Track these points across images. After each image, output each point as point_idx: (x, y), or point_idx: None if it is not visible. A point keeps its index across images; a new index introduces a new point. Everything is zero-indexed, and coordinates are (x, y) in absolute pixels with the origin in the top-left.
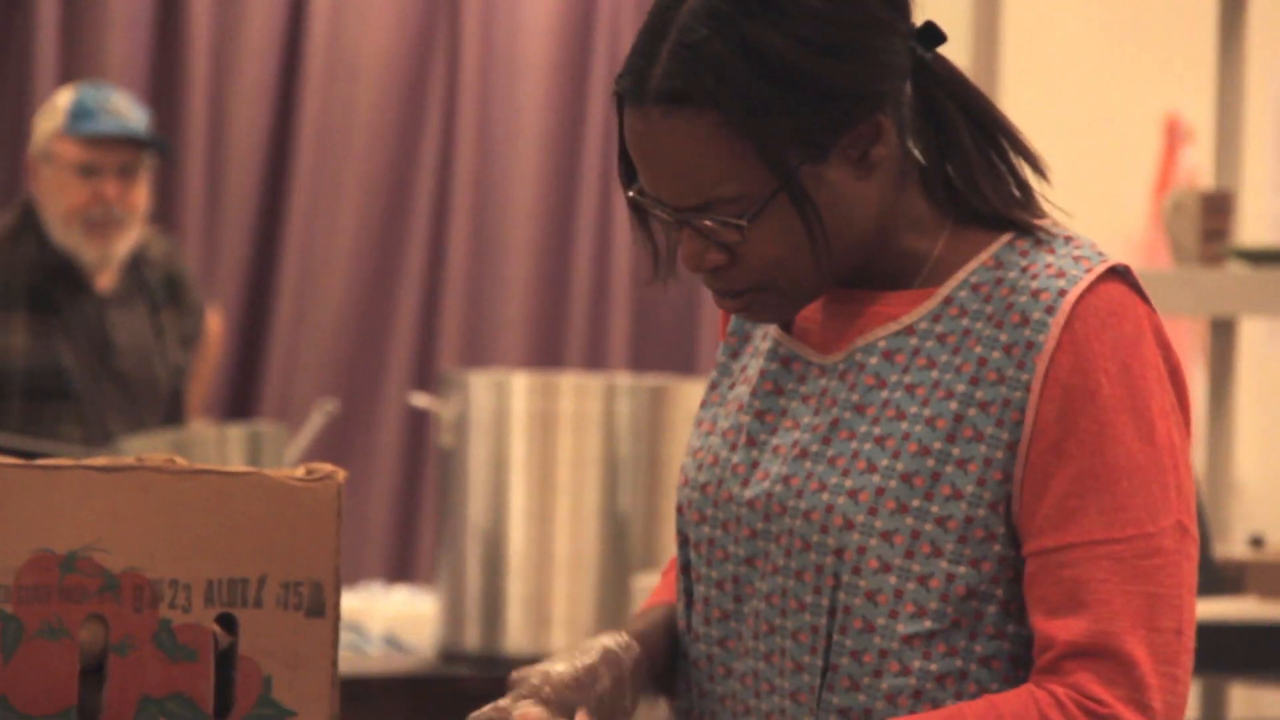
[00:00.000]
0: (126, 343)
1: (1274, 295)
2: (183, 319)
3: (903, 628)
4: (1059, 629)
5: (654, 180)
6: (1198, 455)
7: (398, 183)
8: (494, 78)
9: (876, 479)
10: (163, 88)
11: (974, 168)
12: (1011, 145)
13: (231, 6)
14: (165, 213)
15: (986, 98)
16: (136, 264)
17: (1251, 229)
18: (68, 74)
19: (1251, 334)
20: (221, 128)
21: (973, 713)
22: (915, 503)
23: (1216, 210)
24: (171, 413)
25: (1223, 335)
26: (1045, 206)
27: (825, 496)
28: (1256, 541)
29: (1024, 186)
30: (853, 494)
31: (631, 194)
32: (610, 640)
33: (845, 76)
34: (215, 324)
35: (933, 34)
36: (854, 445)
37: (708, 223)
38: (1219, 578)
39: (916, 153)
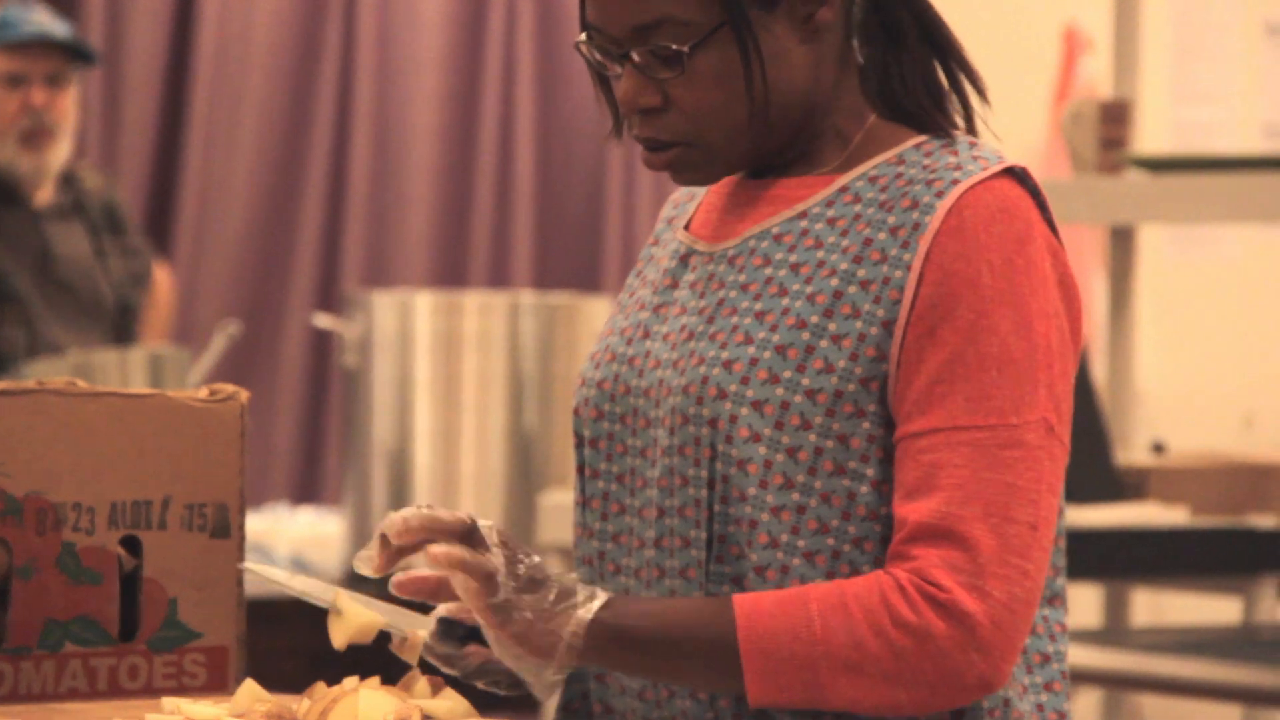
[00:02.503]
0: (67, 254)
1: (1172, 203)
2: (126, 253)
3: (771, 498)
4: (911, 510)
5: (602, 8)
6: (1099, 363)
7: (297, 102)
8: None
9: (751, 350)
10: (59, 8)
11: (913, 72)
12: (957, 63)
13: None
14: None
15: (939, 14)
16: (71, 185)
17: (1149, 138)
18: None
19: (1151, 242)
20: (118, 49)
21: (818, 591)
22: (787, 374)
23: (1115, 119)
24: (121, 331)
25: (1122, 243)
26: (980, 119)
27: (703, 369)
28: (1158, 448)
29: (963, 103)
30: (728, 365)
31: (583, 42)
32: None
33: None
34: (165, 281)
35: None
36: (734, 320)
37: (649, 54)
38: (1121, 484)
39: (858, 49)
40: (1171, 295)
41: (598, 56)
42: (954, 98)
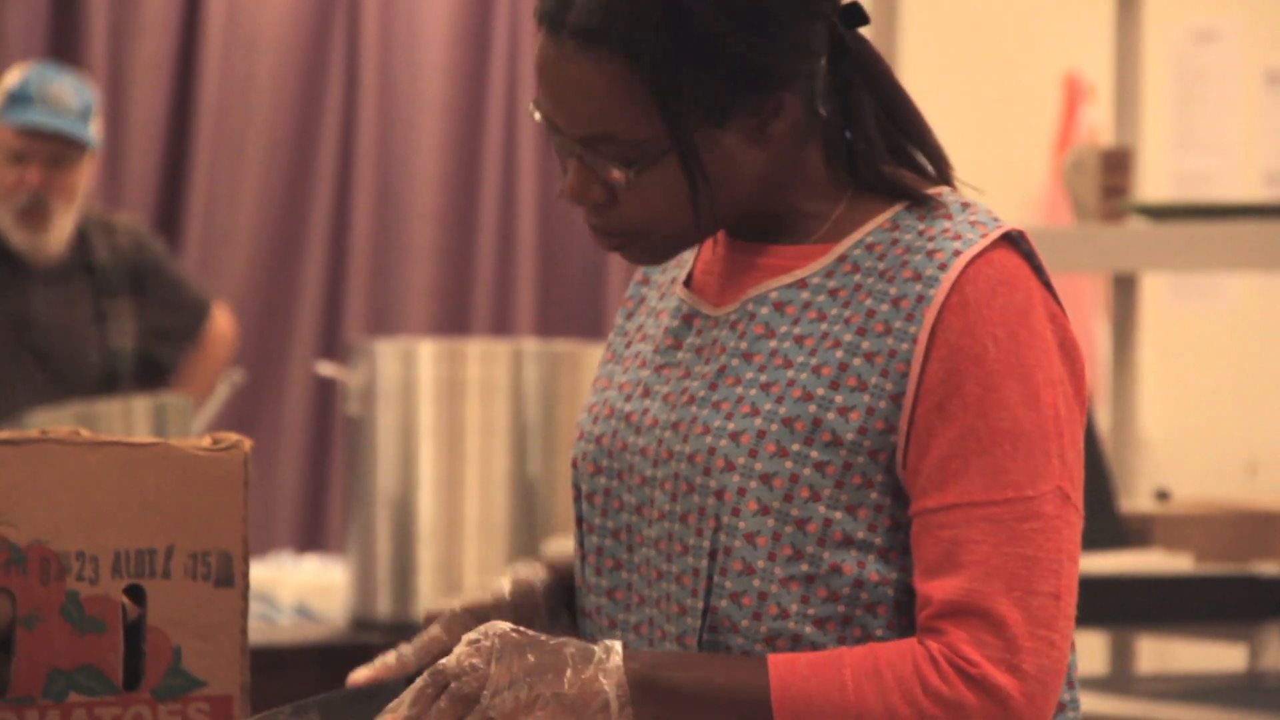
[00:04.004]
0: (51, 321)
1: (1174, 250)
2: (150, 310)
3: (780, 570)
4: (936, 588)
5: (554, 105)
6: (1103, 411)
7: (300, 153)
8: (395, 46)
9: (759, 422)
10: (61, 60)
11: (875, 146)
12: (917, 136)
13: None
14: None
15: (899, 84)
16: (85, 245)
17: (1151, 185)
18: None
19: (1153, 289)
20: (121, 100)
21: (852, 656)
22: (795, 447)
23: (1116, 167)
24: (105, 395)
25: (1125, 291)
26: (956, 182)
27: (709, 439)
28: (1162, 495)
29: (931, 166)
30: (735, 436)
31: (539, 117)
32: (523, 568)
33: (757, 50)
34: (223, 322)
35: (855, 14)
36: (739, 391)
37: (597, 161)
38: (1125, 531)
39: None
40: (1174, 342)
41: (551, 135)
42: (916, 162)
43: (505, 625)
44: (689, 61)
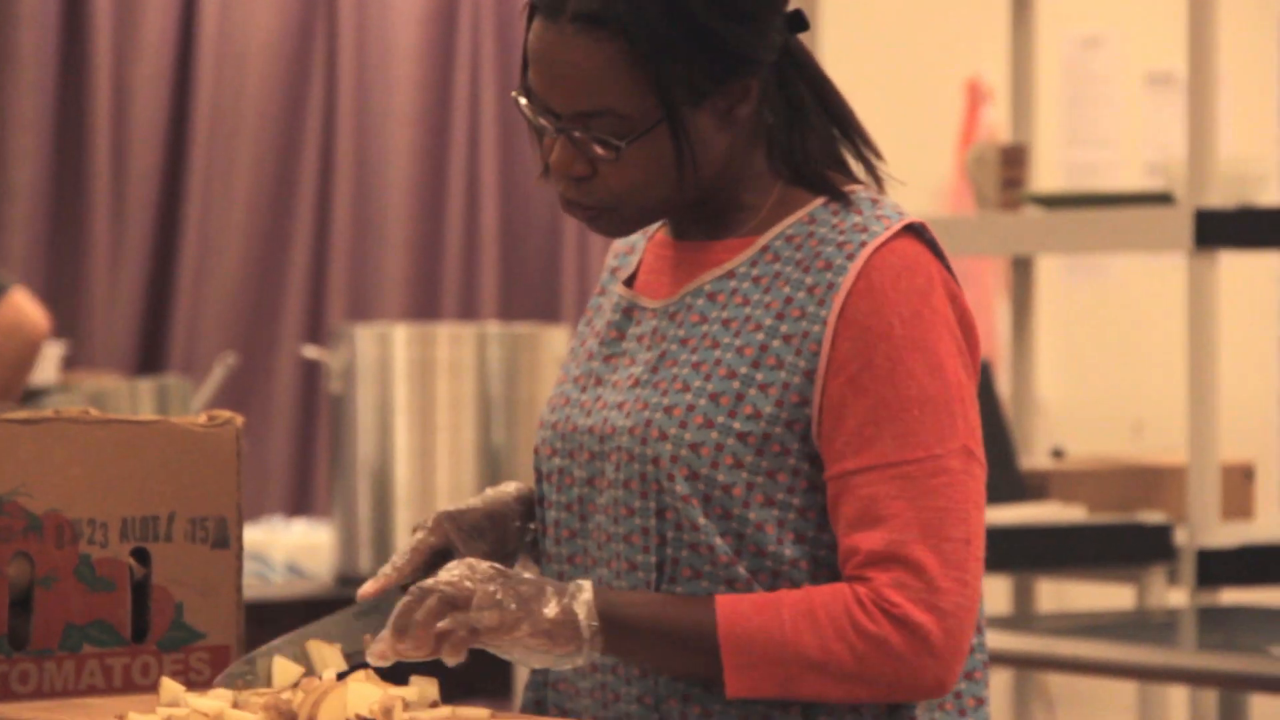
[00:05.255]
0: None
1: (1066, 235)
2: None
3: (716, 526)
4: (860, 540)
5: (549, 86)
6: (1004, 379)
7: (285, 157)
8: (369, 61)
9: (689, 397)
10: (70, 76)
11: (813, 142)
12: (853, 130)
13: (130, 2)
14: (75, 189)
15: (834, 86)
16: None
17: (1045, 177)
18: None
19: (1047, 270)
20: (124, 112)
21: (790, 598)
22: (720, 419)
23: (1013, 161)
24: None
25: (1022, 272)
26: (884, 173)
27: (646, 414)
28: (1057, 453)
29: (865, 163)
30: (668, 410)
31: (524, 102)
32: (522, 485)
33: (737, 38)
34: (19, 304)
35: (798, 19)
36: (675, 371)
37: (587, 135)
38: (1025, 486)
39: (764, 124)
40: (1067, 317)
41: (537, 118)
42: (854, 158)
43: (487, 563)
44: (679, 41)
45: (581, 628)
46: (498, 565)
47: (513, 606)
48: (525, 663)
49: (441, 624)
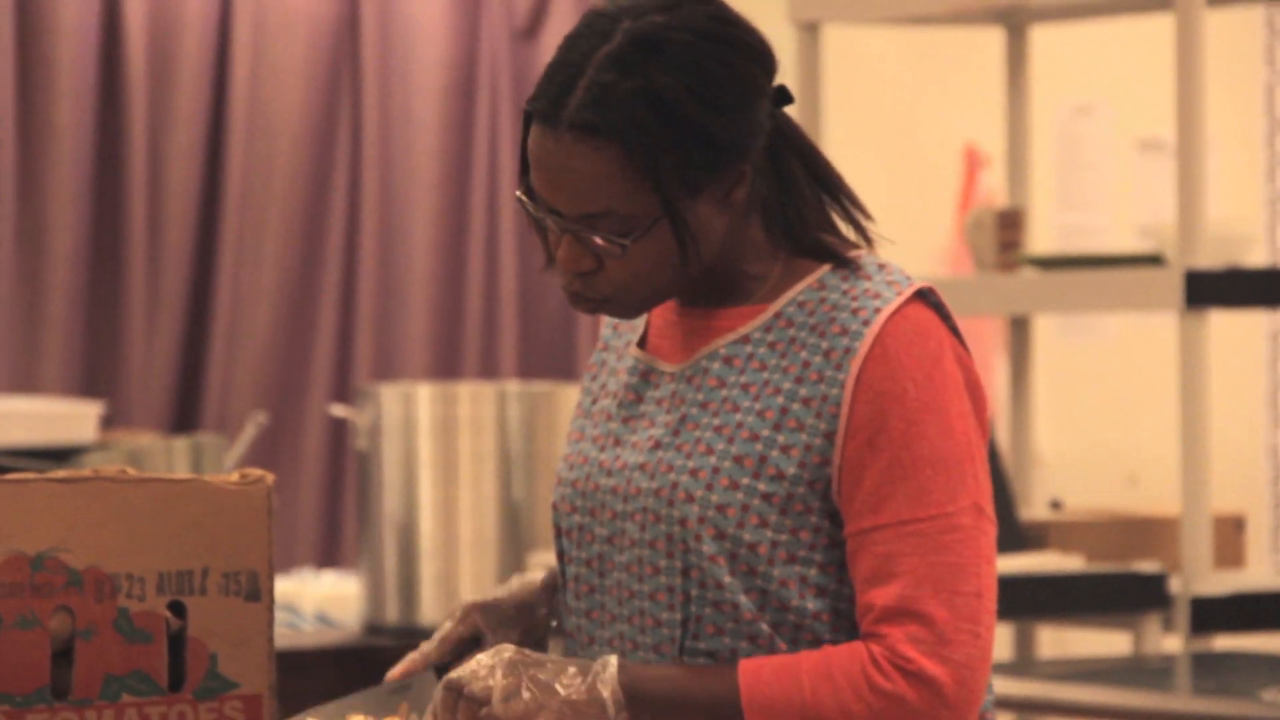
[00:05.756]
0: None
1: (1061, 295)
2: None
3: (741, 584)
4: (875, 596)
5: (552, 190)
6: (1003, 433)
7: (312, 225)
8: (392, 132)
9: (713, 460)
10: (107, 147)
11: (808, 211)
12: (842, 194)
13: (164, 77)
14: (112, 256)
15: (822, 153)
16: None
17: (1040, 239)
18: (23, 138)
19: (1044, 329)
20: (159, 182)
21: (808, 661)
22: (745, 480)
23: (1010, 225)
24: None
25: (1020, 331)
26: (873, 234)
27: (671, 476)
28: (1055, 505)
29: (856, 226)
30: (693, 473)
31: (527, 201)
32: (548, 572)
33: (726, 129)
34: None
35: (783, 94)
36: (697, 434)
37: (592, 234)
38: (1024, 537)
39: (763, 192)
40: (1063, 373)
41: (541, 218)
42: (843, 219)
43: (511, 647)
44: (671, 141)
45: (607, 706)
46: (523, 651)
47: (527, 696)
48: None
49: None
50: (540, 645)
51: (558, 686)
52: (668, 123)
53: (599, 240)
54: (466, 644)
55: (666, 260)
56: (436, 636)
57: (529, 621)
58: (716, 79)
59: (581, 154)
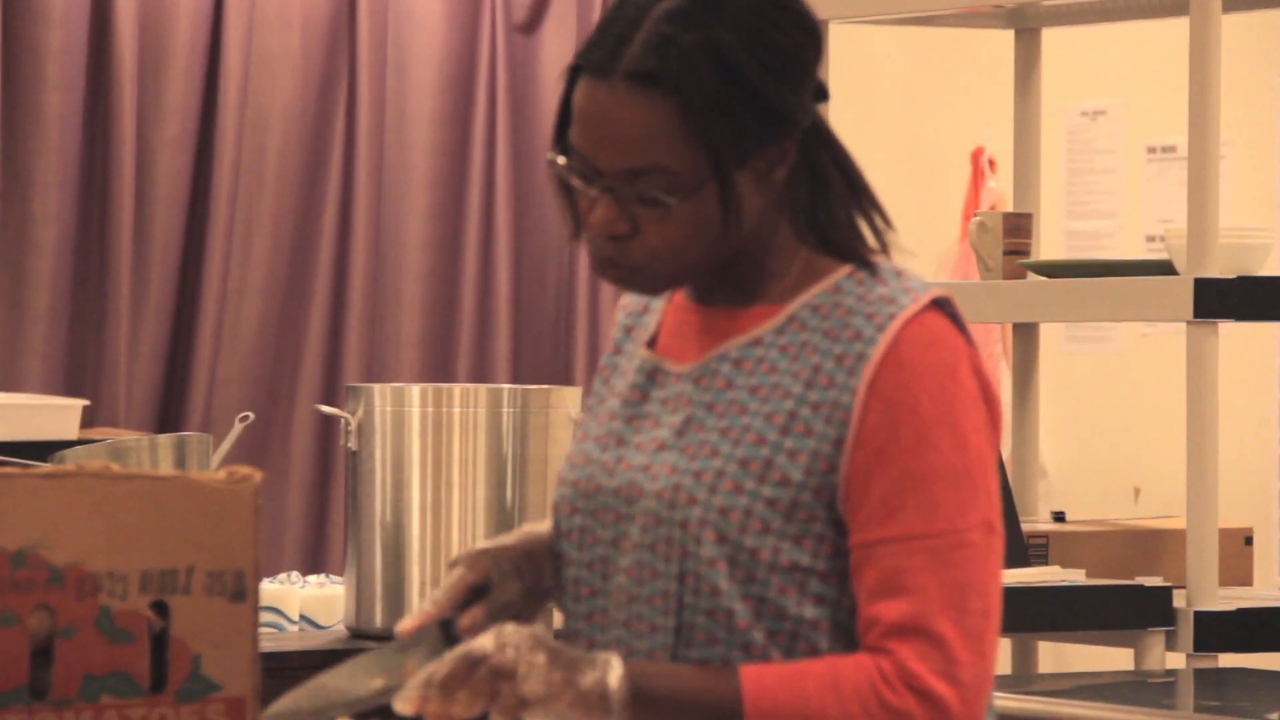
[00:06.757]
0: None
1: (1068, 303)
2: None
3: (739, 590)
4: (881, 610)
5: (597, 144)
6: (1006, 443)
7: (304, 221)
8: (387, 128)
9: (718, 463)
10: (95, 138)
11: (836, 209)
12: (867, 200)
13: (154, 68)
14: (99, 250)
15: (851, 156)
16: None
17: (1047, 246)
18: (9, 127)
19: (1049, 336)
20: (147, 174)
21: (814, 669)
22: (749, 485)
23: (1017, 230)
24: None
25: (1024, 337)
26: (892, 243)
27: (674, 478)
28: (1058, 517)
29: (876, 233)
30: (697, 475)
31: (562, 162)
32: (540, 526)
33: (781, 99)
34: None
35: (820, 90)
36: (703, 436)
37: (634, 193)
38: (1026, 549)
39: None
40: (1068, 383)
41: (574, 178)
42: (868, 227)
43: (526, 630)
44: (729, 101)
45: (612, 701)
46: (537, 633)
47: (558, 677)
48: None
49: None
50: (545, 597)
51: (575, 675)
52: (727, 81)
53: (640, 199)
54: (476, 592)
55: (704, 229)
56: (445, 584)
57: (537, 572)
58: (777, 45)
59: (635, 105)
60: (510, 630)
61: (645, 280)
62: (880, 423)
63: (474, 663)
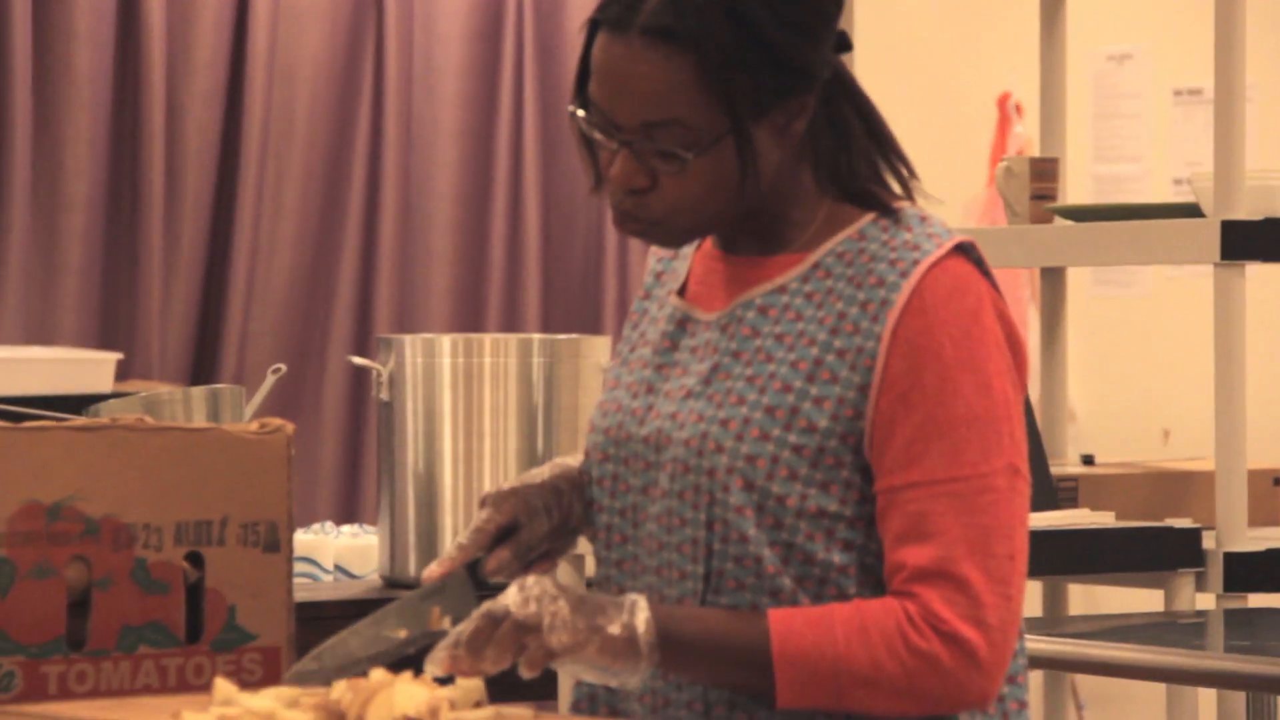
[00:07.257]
0: None
1: (1094, 247)
2: None
3: (766, 537)
4: (907, 555)
5: (615, 98)
6: (1034, 387)
7: (333, 173)
8: (415, 79)
9: (744, 410)
10: (125, 94)
11: (857, 160)
12: (891, 150)
13: (183, 22)
14: (130, 204)
15: (875, 106)
16: None
17: (1074, 190)
18: (40, 82)
19: (1077, 280)
20: (177, 128)
21: (841, 614)
22: (776, 432)
23: (1043, 175)
24: None
25: (1052, 282)
26: (917, 191)
27: (702, 426)
28: (1087, 460)
29: (901, 181)
30: (724, 423)
31: (581, 115)
32: (565, 458)
33: (799, 53)
34: None
35: (843, 40)
36: (729, 384)
37: (652, 146)
38: (1056, 492)
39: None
40: (1096, 326)
41: (594, 131)
42: (892, 176)
43: (549, 580)
44: (747, 55)
45: (640, 645)
46: (559, 583)
47: (583, 625)
48: (583, 677)
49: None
50: (573, 535)
51: (601, 621)
52: (744, 36)
53: (658, 154)
54: (504, 533)
55: (722, 183)
56: (472, 527)
57: (566, 510)
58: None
59: (651, 60)
60: (531, 582)
61: (664, 234)
62: (904, 368)
63: (497, 620)
